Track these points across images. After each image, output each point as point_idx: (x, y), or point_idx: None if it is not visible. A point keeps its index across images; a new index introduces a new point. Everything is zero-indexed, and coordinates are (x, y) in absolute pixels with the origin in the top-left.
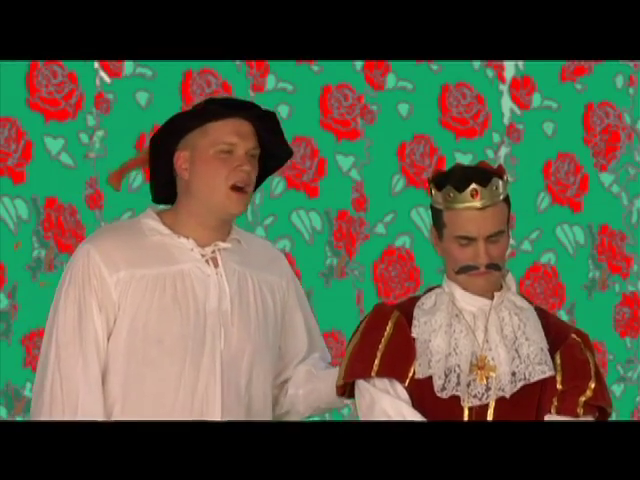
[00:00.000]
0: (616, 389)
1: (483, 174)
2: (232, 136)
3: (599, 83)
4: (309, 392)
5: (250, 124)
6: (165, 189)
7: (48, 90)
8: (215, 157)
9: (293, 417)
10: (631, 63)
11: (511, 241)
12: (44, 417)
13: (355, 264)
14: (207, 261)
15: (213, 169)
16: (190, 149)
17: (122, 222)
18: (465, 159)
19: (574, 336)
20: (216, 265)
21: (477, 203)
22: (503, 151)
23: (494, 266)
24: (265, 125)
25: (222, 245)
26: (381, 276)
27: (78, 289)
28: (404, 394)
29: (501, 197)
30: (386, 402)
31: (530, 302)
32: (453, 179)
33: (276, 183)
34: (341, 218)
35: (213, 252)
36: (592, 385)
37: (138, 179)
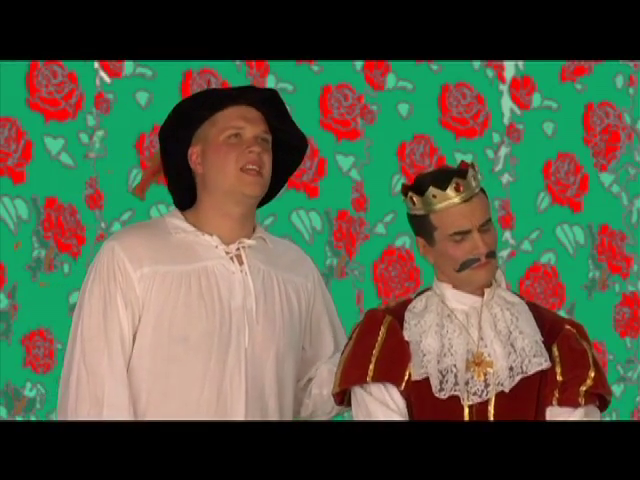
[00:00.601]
0: (616, 389)
1: (455, 171)
2: (239, 120)
3: (599, 83)
4: None
5: (257, 110)
6: (188, 194)
7: (48, 90)
8: (224, 143)
9: (320, 417)
10: (631, 63)
11: (511, 241)
12: (70, 411)
13: (355, 264)
14: (232, 258)
15: (223, 154)
16: (201, 142)
17: (147, 221)
18: (465, 159)
19: (568, 327)
20: (241, 263)
21: (462, 195)
22: (503, 151)
23: (492, 254)
24: (273, 112)
25: (247, 242)
26: (381, 276)
27: (103, 285)
28: (399, 400)
29: (479, 187)
30: (381, 415)
31: (521, 297)
32: (431, 182)
33: None
34: (341, 218)
35: (238, 250)
36: (592, 374)
37: (138, 179)
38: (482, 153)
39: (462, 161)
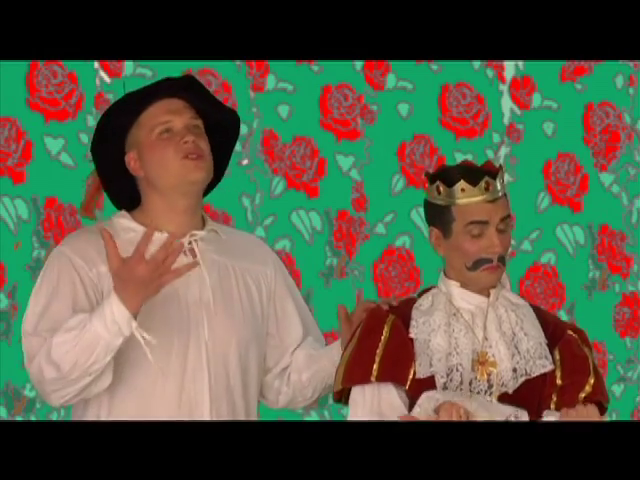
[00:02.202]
0: (616, 389)
1: (484, 169)
2: (165, 115)
3: (599, 83)
4: (314, 373)
5: (181, 100)
6: (130, 197)
7: (48, 90)
8: (157, 140)
9: (300, 403)
10: (631, 63)
11: (511, 241)
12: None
13: (355, 264)
14: (185, 252)
15: (160, 150)
16: (135, 147)
17: (94, 225)
18: (465, 159)
19: (570, 332)
20: (194, 256)
21: (489, 195)
22: (503, 151)
23: (503, 260)
24: (195, 96)
25: (198, 234)
26: (381, 276)
27: (52, 285)
28: (399, 400)
29: (504, 190)
30: (389, 415)
31: (525, 300)
32: (462, 176)
33: (276, 183)
34: (341, 218)
35: (190, 243)
36: (591, 381)
37: None
38: (482, 153)
39: (489, 161)
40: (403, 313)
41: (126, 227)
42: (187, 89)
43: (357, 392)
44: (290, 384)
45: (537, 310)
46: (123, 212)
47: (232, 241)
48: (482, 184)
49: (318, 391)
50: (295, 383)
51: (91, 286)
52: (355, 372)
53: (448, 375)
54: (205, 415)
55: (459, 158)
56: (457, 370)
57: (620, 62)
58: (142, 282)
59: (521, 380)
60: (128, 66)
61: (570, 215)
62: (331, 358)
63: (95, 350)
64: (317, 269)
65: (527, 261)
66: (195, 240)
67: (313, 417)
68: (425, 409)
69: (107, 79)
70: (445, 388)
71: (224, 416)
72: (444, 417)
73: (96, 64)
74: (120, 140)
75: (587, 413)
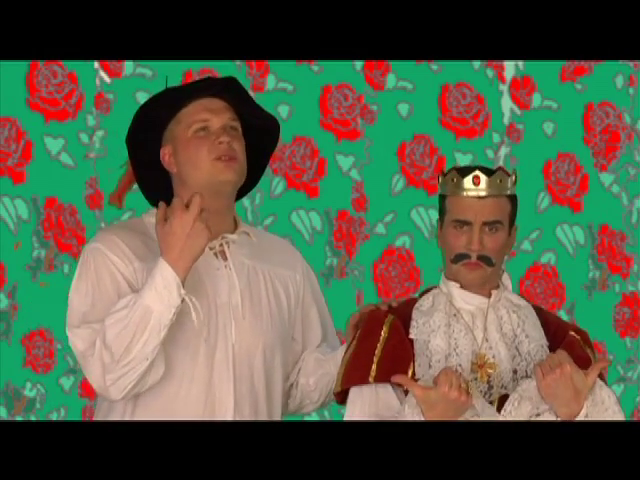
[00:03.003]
0: (616, 389)
1: (491, 169)
2: (204, 113)
3: (599, 83)
4: (320, 377)
5: (221, 100)
6: (164, 194)
7: (48, 90)
8: (193, 137)
9: (308, 407)
10: (631, 63)
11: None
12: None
13: (355, 264)
14: (215, 254)
15: (194, 148)
16: (171, 142)
17: (125, 221)
18: (465, 159)
19: (573, 333)
20: (225, 258)
21: (478, 191)
22: (503, 151)
23: (486, 259)
24: (236, 98)
25: (229, 237)
26: (381, 276)
27: (91, 281)
28: (397, 400)
29: (505, 192)
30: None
31: (527, 300)
32: (459, 168)
33: (276, 183)
34: (341, 218)
35: (221, 245)
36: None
37: None
38: (482, 153)
39: (500, 166)
40: (403, 314)
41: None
42: (228, 90)
43: (355, 393)
44: (298, 387)
45: (539, 311)
46: (153, 210)
47: (263, 245)
48: (470, 177)
49: (324, 394)
50: (303, 387)
51: (129, 278)
52: (354, 374)
53: None
54: (228, 418)
55: (459, 158)
56: (456, 371)
57: (620, 62)
58: (188, 238)
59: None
60: (128, 66)
61: (570, 215)
62: (336, 362)
63: (147, 326)
64: (317, 269)
65: (527, 261)
66: (226, 242)
67: (313, 417)
68: (412, 404)
69: (107, 79)
70: None
71: (247, 419)
72: (443, 383)
73: (96, 64)
74: (157, 134)
75: (558, 358)
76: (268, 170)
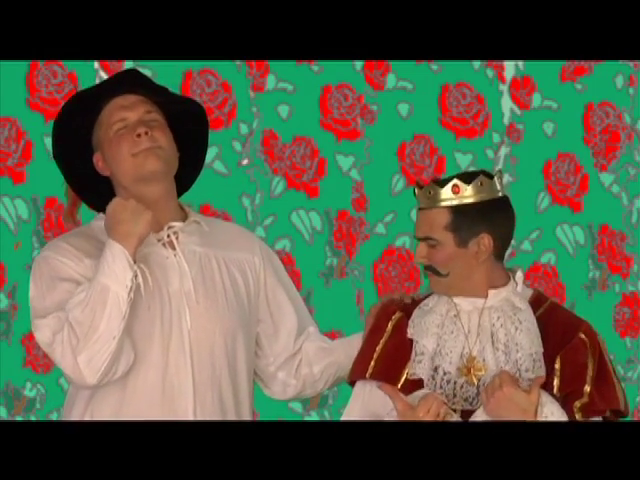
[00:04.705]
0: None
1: (441, 180)
2: (119, 112)
3: (599, 83)
4: (327, 366)
5: (135, 95)
6: (107, 199)
7: (48, 90)
8: (115, 136)
9: (309, 395)
10: (631, 63)
11: (511, 241)
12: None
13: (355, 264)
14: (164, 245)
15: (116, 146)
16: (99, 147)
17: (74, 229)
18: (465, 159)
19: (582, 336)
20: (173, 248)
21: (419, 201)
22: (503, 151)
23: (431, 269)
24: (149, 90)
25: (176, 226)
26: (381, 276)
27: (46, 283)
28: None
29: (438, 203)
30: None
31: (546, 297)
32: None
33: (276, 183)
34: (341, 218)
35: (169, 236)
36: (587, 389)
37: None
38: (482, 153)
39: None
40: (411, 311)
41: (104, 228)
42: (135, 83)
43: (358, 386)
44: (300, 377)
45: (551, 310)
46: (101, 215)
47: (216, 232)
48: (417, 188)
49: (329, 383)
50: (306, 376)
51: (84, 274)
52: (356, 367)
53: (433, 378)
54: (189, 405)
55: (459, 158)
56: (444, 373)
57: (620, 62)
58: (132, 214)
59: None
60: (128, 66)
61: (570, 215)
62: (347, 351)
63: (107, 300)
64: (317, 269)
65: (527, 261)
66: (174, 233)
67: (313, 417)
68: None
69: None
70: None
71: (209, 406)
72: (422, 408)
73: (96, 64)
74: (85, 142)
75: (499, 381)
76: (268, 170)
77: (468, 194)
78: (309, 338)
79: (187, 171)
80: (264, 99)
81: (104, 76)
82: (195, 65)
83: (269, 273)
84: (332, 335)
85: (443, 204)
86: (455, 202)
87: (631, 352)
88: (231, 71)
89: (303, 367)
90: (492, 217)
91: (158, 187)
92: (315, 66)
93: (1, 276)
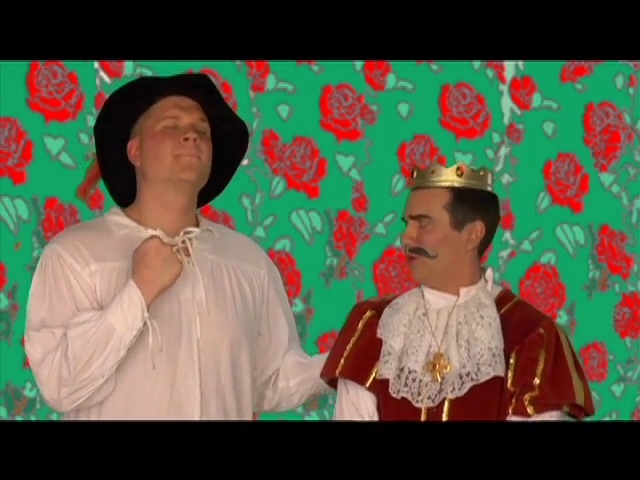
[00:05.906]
0: (616, 389)
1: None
2: (174, 110)
3: (599, 83)
4: (303, 381)
5: (193, 100)
6: (128, 191)
7: (48, 90)
8: (160, 132)
9: (283, 409)
10: (631, 63)
11: (511, 241)
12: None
13: (355, 264)
14: (178, 250)
15: (159, 142)
16: (139, 135)
17: (87, 221)
18: (465, 159)
19: (541, 331)
20: (187, 255)
21: (414, 180)
22: (503, 151)
23: (418, 250)
24: (208, 100)
25: (192, 232)
26: (381, 276)
27: (48, 285)
28: (370, 403)
29: (438, 183)
30: (347, 415)
31: (513, 296)
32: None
33: (276, 183)
34: (341, 218)
35: (183, 242)
36: (537, 382)
37: None
38: (482, 153)
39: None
40: (382, 311)
41: (119, 223)
42: (199, 89)
43: (340, 383)
44: (277, 390)
45: (517, 306)
46: (115, 208)
47: (226, 241)
48: (412, 170)
49: (304, 398)
50: (283, 389)
51: (84, 284)
52: (327, 364)
53: (399, 377)
54: (195, 414)
55: (459, 158)
56: (409, 372)
57: (620, 62)
58: (163, 262)
59: (468, 385)
60: (128, 66)
61: (570, 215)
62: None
63: (109, 343)
64: (317, 269)
65: (527, 261)
66: (189, 239)
67: (313, 417)
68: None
69: (107, 79)
70: (397, 390)
71: (213, 415)
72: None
73: (96, 64)
74: (127, 126)
75: None
76: (268, 170)
77: (471, 180)
78: (288, 352)
79: (211, 186)
80: (264, 99)
81: (104, 76)
82: (195, 65)
83: (272, 287)
84: (332, 335)
85: (445, 184)
86: (456, 184)
87: (631, 352)
88: (231, 71)
89: (280, 380)
90: (488, 209)
91: (184, 197)
92: (315, 66)
93: (1, 276)
